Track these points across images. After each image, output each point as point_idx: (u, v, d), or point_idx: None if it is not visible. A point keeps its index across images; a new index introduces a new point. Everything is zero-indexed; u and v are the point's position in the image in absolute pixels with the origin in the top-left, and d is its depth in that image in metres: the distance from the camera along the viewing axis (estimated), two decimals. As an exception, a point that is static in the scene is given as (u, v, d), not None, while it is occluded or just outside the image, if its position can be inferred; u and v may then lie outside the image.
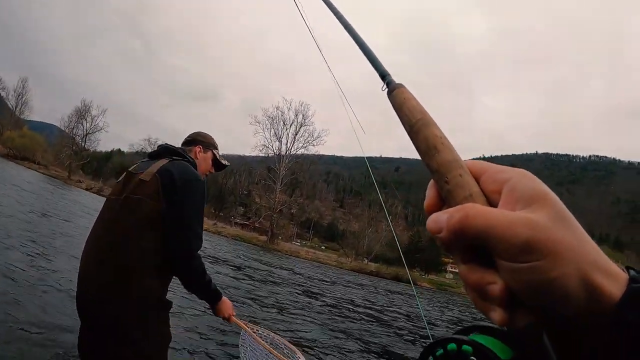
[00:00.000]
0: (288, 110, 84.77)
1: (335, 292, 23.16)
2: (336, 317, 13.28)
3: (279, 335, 3.82)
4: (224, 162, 3.70)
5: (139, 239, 2.67)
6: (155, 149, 3.21)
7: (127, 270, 2.63)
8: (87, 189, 66.89)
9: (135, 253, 2.65)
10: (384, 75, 0.70)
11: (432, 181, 0.57)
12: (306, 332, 10.24)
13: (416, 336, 13.52)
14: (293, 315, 11.88)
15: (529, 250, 0.42)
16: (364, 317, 15.16)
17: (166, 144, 3.24)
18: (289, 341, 3.77)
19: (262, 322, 8.77)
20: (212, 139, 3.65)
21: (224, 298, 3.20)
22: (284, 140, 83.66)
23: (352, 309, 16.64)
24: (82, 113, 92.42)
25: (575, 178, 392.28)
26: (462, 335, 0.52)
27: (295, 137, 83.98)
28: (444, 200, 0.55)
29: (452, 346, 0.49)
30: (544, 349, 0.44)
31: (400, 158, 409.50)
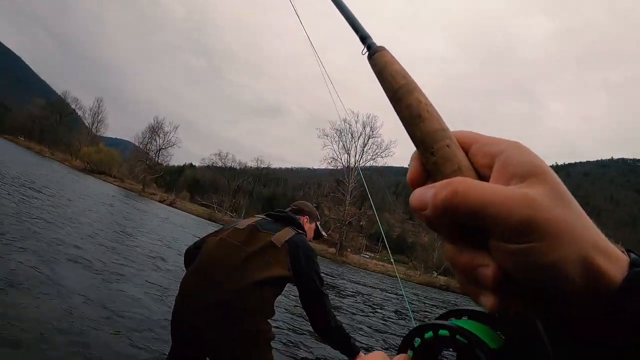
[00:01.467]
0: (355, 123, 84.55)
1: (400, 304, 22.82)
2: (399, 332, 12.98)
3: None
4: (323, 233, 4.16)
5: (262, 293, 3.11)
6: (277, 212, 3.69)
7: (248, 319, 3.06)
8: (160, 201, 68.48)
9: (258, 306, 3.12)
10: (364, 38, 0.64)
11: (416, 152, 0.52)
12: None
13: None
14: (358, 325, 11.83)
15: (526, 230, 0.38)
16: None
17: (288, 212, 3.72)
18: None
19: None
20: (316, 210, 4.08)
21: (362, 352, 3.41)
22: (352, 153, 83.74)
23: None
24: (155, 129, 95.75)
25: None
26: (446, 321, 0.49)
27: (363, 149, 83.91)
28: (430, 174, 0.50)
29: (443, 332, 0.46)
30: (538, 336, 0.42)
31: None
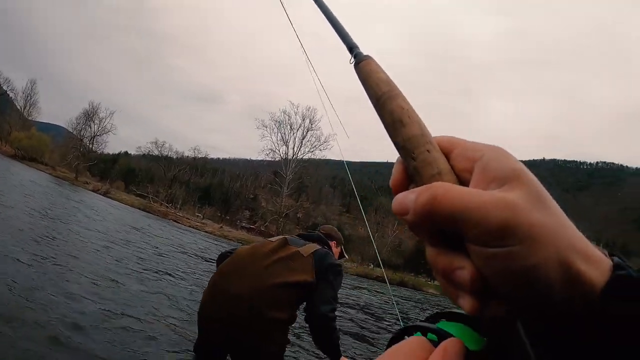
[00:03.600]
0: (295, 115, 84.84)
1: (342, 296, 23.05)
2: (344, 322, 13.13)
3: None
4: (346, 255, 4.70)
5: (287, 294, 3.48)
6: (308, 233, 4.20)
7: (271, 312, 3.39)
8: (93, 190, 66.81)
9: (280, 303, 3.45)
10: (351, 48, 0.66)
11: (398, 157, 0.53)
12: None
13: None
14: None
15: (504, 234, 0.38)
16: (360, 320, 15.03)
17: (319, 234, 4.21)
18: None
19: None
20: (340, 235, 4.54)
21: (344, 357, 3.73)
22: (290, 145, 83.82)
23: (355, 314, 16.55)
24: (90, 115, 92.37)
25: (582, 185, 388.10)
26: (430, 322, 0.49)
27: (302, 142, 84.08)
28: (411, 178, 0.51)
29: (418, 335, 0.47)
30: (518, 338, 0.42)
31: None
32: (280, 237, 3.84)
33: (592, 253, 0.41)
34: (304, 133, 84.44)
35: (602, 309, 0.38)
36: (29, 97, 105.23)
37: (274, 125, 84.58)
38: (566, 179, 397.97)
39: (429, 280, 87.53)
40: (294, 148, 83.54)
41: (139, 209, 63.00)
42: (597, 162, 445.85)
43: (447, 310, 0.51)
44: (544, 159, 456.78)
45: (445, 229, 0.42)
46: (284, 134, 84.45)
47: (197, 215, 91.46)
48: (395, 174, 0.53)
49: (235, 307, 3.37)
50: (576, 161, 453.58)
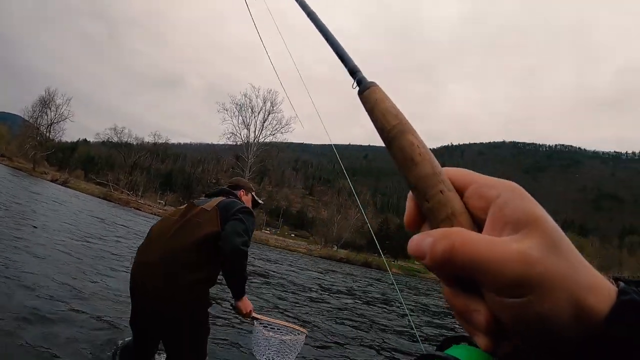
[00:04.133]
0: (256, 98, 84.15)
1: (307, 279, 23.17)
2: (314, 305, 13.30)
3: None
4: (260, 200, 4.80)
5: (198, 252, 3.65)
6: (214, 190, 4.37)
7: (187, 275, 3.60)
8: (52, 181, 65.66)
9: (194, 263, 3.64)
10: (353, 72, 0.64)
11: (410, 194, 0.53)
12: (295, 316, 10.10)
13: (394, 321, 13.57)
14: (271, 302, 11.85)
15: (519, 286, 0.39)
16: (336, 302, 15.13)
17: (222, 188, 4.39)
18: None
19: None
20: (250, 184, 4.71)
21: (246, 297, 3.97)
22: (252, 128, 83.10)
23: (322, 294, 16.65)
24: (46, 102, 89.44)
25: (541, 166, 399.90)
26: (453, 345, 0.51)
27: (263, 125, 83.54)
28: (425, 216, 0.51)
29: None
30: None
31: (369, 146, 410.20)
32: (190, 201, 4.15)
33: (600, 285, 0.41)
34: (265, 116, 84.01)
35: (605, 334, 0.39)
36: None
37: (234, 109, 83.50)
38: (526, 161, 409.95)
39: (392, 260, 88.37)
40: (255, 131, 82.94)
41: (100, 197, 62.23)
42: (556, 145, 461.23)
43: (460, 334, 0.51)
44: (504, 142, 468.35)
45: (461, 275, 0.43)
46: (245, 117, 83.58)
47: (159, 202, 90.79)
48: (409, 212, 0.53)
49: (153, 278, 3.58)
50: (536, 144, 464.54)
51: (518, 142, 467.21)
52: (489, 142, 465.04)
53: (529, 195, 0.44)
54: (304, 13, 0.89)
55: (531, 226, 0.41)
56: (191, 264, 3.61)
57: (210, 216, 3.77)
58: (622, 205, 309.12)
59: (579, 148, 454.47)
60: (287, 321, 4.43)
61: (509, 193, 0.44)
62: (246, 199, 4.45)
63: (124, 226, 25.65)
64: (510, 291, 0.39)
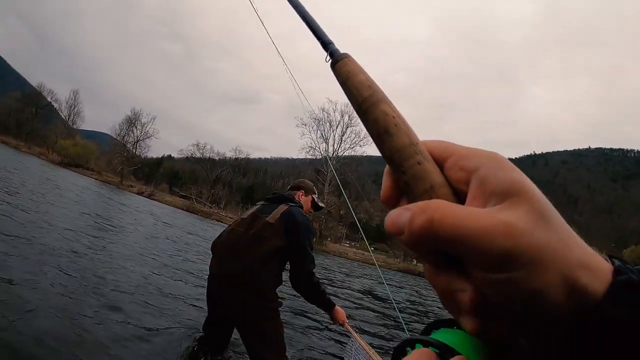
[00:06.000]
0: (334, 112, 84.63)
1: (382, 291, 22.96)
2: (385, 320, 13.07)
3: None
4: (321, 204, 4.87)
5: (265, 264, 3.96)
6: (273, 194, 4.49)
7: (259, 287, 3.96)
8: (138, 193, 67.78)
9: (260, 274, 3.94)
10: (326, 44, 0.60)
11: (387, 168, 0.50)
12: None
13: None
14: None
15: (506, 261, 0.36)
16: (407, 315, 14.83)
17: (280, 192, 4.51)
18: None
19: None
20: (312, 185, 4.83)
21: (338, 307, 4.28)
22: (330, 142, 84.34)
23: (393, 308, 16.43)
24: (132, 121, 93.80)
25: (630, 173, 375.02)
26: (434, 329, 0.49)
27: (342, 138, 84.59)
28: (403, 191, 0.48)
29: (418, 346, 0.46)
30: (521, 353, 0.41)
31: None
32: (252, 210, 4.35)
33: (594, 262, 0.39)
34: (344, 130, 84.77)
35: (601, 315, 0.36)
36: (72, 107, 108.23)
37: (313, 123, 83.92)
38: (613, 168, 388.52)
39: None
40: (334, 145, 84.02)
41: (183, 209, 63.90)
42: None
43: (448, 318, 0.49)
44: (589, 148, 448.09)
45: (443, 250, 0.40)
46: (324, 131, 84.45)
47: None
48: (385, 187, 0.50)
49: (229, 285, 4.01)
50: (623, 149, 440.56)
51: (604, 148, 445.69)
52: (573, 150, 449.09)
53: (511, 163, 0.42)
54: None
55: (517, 196, 0.39)
56: (259, 281, 3.96)
57: (275, 230, 4.00)
58: None
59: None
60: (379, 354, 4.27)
61: (491, 162, 0.42)
62: (305, 200, 4.62)
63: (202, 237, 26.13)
64: (496, 266, 0.37)
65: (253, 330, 4.01)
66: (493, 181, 0.40)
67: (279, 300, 4.22)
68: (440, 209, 0.39)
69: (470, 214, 0.38)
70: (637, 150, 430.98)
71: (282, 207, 4.16)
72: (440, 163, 0.47)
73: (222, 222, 57.88)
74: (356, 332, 4.40)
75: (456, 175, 0.45)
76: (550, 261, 0.37)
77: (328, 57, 0.58)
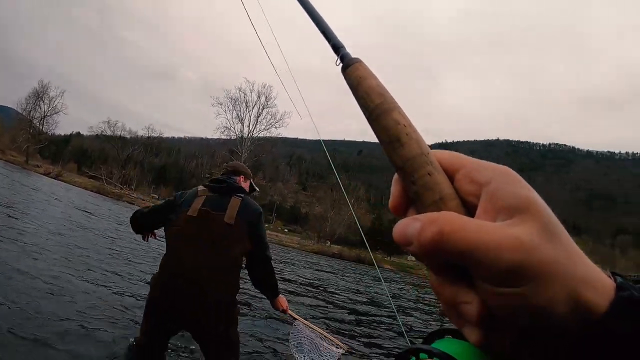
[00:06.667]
0: (250, 92, 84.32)
1: (302, 273, 23.12)
2: (304, 297, 13.20)
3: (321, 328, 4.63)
4: (256, 188, 4.77)
5: (230, 272, 3.81)
6: (214, 181, 4.15)
7: (228, 298, 3.86)
8: (45, 174, 65.29)
9: (225, 284, 3.80)
10: (337, 48, 0.59)
11: (395, 176, 0.50)
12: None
13: (384, 319, 13.52)
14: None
15: (516, 274, 0.37)
16: (329, 298, 15.11)
17: (226, 179, 4.15)
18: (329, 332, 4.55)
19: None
20: (249, 169, 4.59)
21: (281, 295, 4.29)
22: (246, 122, 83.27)
23: (317, 290, 16.60)
24: (39, 95, 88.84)
25: (535, 165, 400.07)
26: (437, 339, 0.48)
27: (257, 119, 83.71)
28: (412, 201, 0.48)
29: (423, 356, 0.46)
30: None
31: (363, 142, 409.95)
32: (198, 204, 3.91)
33: (598, 278, 0.40)
34: (260, 111, 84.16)
35: (605, 330, 0.37)
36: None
37: (229, 103, 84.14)
38: (520, 159, 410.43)
39: (385, 256, 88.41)
40: (249, 126, 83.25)
41: (93, 191, 62.01)
42: (550, 144, 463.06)
43: (448, 327, 0.50)
44: (498, 139, 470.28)
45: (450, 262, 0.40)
46: (240, 111, 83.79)
47: (153, 196, 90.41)
48: (394, 196, 0.50)
49: (188, 293, 3.67)
50: (530, 142, 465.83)
51: (512, 140, 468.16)
52: (484, 140, 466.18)
53: (523, 179, 0.42)
54: None
55: (527, 211, 0.39)
56: (225, 283, 3.80)
57: (238, 233, 3.82)
58: (614, 205, 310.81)
59: (573, 147, 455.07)
60: (329, 332, 4.60)
61: (502, 177, 0.42)
62: (245, 186, 4.41)
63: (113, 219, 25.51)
64: (505, 280, 0.37)
65: (217, 341, 3.88)
66: (503, 196, 0.41)
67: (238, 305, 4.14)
68: (451, 222, 0.39)
69: (480, 228, 0.39)
70: (542, 144, 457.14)
71: (236, 201, 3.94)
72: (450, 174, 0.47)
73: (133, 204, 56.69)
74: (299, 317, 4.60)
75: (466, 188, 0.45)
76: (557, 276, 0.37)
77: (339, 61, 0.58)
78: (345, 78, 0.55)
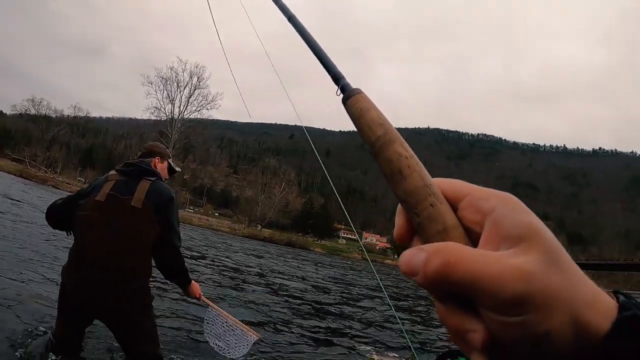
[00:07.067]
0: (183, 72, 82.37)
1: (235, 260, 23.03)
2: (238, 285, 13.15)
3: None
4: (177, 168, 4.69)
5: (140, 256, 3.76)
6: (126, 165, 4.06)
7: (138, 284, 3.80)
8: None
9: (137, 269, 3.75)
10: (337, 78, 0.62)
11: (399, 207, 0.51)
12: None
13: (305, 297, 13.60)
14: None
15: (521, 304, 0.38)
16: (262, 284, 14.99)
17: (137, 163, 4.07)
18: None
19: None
20: (166, 149, 4.55)
21: (194, 281, 4.24)
22: (177, 103, 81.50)
23: (252, 277, 16.57)
24: None
25: (463, 154, 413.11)
26: (449, 359, 0.46)
27: (189, 100, 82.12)
28: (416, 231, 0.49)
29: None
30: None
31: (295, 125, 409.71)
32: (107, 189, 3.82)
33: (599, 299, 0.40)
34: (191, 91, 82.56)
35: (607, 350, 0.38)
36: None
37: (160, 82, 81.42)
38: (449, 148, 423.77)
39: (316, 239, 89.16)
40: (180, 107, 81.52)
41: (16, 175, 59.96)
42: (478, 134, 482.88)
43: (456, 349, 0.46)
44: (428, 128, 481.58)
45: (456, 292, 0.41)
46: (171, 92, 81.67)
47: (79, 180, 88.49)
48: (398, 227, 0.51)
49: (99, 291, 3.63)
50: (459, 132, 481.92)
51: (442, 129, 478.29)
52: (414, 128, 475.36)
53: (525, 206, 0.43)
54: (284, 17, 0.88)
55: (530, 240, 0.40)
56: (136, 268, 3.75)
57: (145, 216, 3.74)
58: (537, 193, 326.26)
59: (500, 138, 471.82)
60: (240, 320, 4.66)
61: (505, 205, 0.43)
62: (161, 167, 4.34)
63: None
64: (510, 309, 0.38)
65: (132, 327, 3.84)
66: (507, 224, 0.41)
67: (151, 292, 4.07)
68: (455, 252, 0.40)
69: (485, 258, 0.39)
70: (471, 134, 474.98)
71: (144, 185, 3.83)
72: (453, 203, 0.48)
73: (58, 188, 55.26)
74: (212, 302, 4.61)
75: (470, 217, 0.45)
76: (561, 304, 0.38)
77: (339, 92, 0.59)
78: (347, 109, 0.57)
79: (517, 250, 0.40)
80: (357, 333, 9.93)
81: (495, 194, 0.45)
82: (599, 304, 0.40)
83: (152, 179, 3.93)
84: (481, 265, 0.39)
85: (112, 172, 4.04)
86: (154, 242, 3.79)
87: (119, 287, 3.65)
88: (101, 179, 4.00)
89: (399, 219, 0.51)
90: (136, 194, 3.76)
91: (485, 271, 0.38)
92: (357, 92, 0.57)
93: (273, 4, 0.95)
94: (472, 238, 0.45)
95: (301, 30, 0.76)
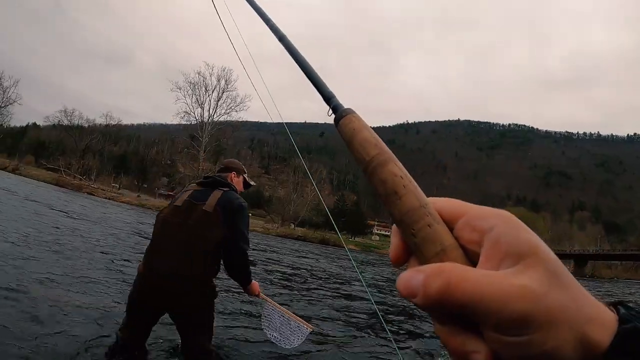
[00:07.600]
0: (210, 76, 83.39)
1: (278, 259, 23.08)
2: (279, 283, 13.16)
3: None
4: (252, 182, 5.06)
5: (206, 257, 4.00)
6: (205, 178, 4.47)
7: (204, 282, 4.07)
8: (1, 168, 63.94)
9: (206, 267, 4.02)
10: (328, 99, 0.62)
11: (394, 227, 0.50)
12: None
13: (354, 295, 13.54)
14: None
15: (523, 323, 0.37)
16: (303, 281, 15.20)
17: (213, 176, 4.51)
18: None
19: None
20: (241, 165, 4.91)
21: (254, 280, 4.46)
22: (206, 107, 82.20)
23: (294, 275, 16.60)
24: None
25: (495, 144, 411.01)
26: None
27: (217, 103, 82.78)
28: (412, 250, 0.48)
29: None
30: None
31: (325, 123, 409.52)
32: (185, 196, 4.24)
33: (600, 314, 0.40)
34: (220, 94, 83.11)
35: None
36: None
37: (188, 87, 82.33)
38: (480, 139, 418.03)
39: (349, 237, 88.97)
40: (209, 110, 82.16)
41: (52, 183, 60.87)
42: (510, 124, 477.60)
43: None
44: (459, 120, 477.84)
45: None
46: (199, 96, 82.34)
47: (114, 186, 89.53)
48: (394, 247, 0.50)
49: (169, 280, 3.93)
50: (490, 122, 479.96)
51: (473, 121, 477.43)
52: (445, 121, 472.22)
53: (524, 224, 0.43)
54: (275, 37, 0.88)
55: (530, 258, 0.40)
56: (205, 266, 4.02)
57: (215, 219, 4.02)
58: (571, 182, 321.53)
59: (532, 127, 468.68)
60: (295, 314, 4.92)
61: (504, 223, 0.42)
62: (237, 181, 4.70)
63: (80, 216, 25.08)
64: (513, 329, 0.38)
65: (195, 323, 4.15)
66: (506, 242, 0.41)
67: (216, 290, 4.35)
68: (455, 273, 0.40)
69: (486, 278, 0.39)
70: (501, 124, 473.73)
71: (217, 193, 4.21)
72: (450, 223, 0.47)
73: (93, 194, 55.95)
74: (270, 299, 4.87)
75: (468, 236, 0.45)
76: (563, 321, 0.38)
77: (331, 112, 0.59)
78: (339, 130, 0.56)
79: (519, 268, 0.39)
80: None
81: (494, 212, 0.44)
82: (600, 318, 0.40)
83: (225, 189, 4.29)
84: (483, 285, 0.38)
85: (192, 184, 4.57)
86: (223, 244, 4.07)
87: (188, 282, 3.94)
88: (183, 190, 4.48)
89: (395, 239, 0.50)
90: (209, 200, 4.11)
91: (487, 291, 0.38)
92: (349, 112, 0.56)
93: (265, 25, 0.96)
94: (470, 258, 0.45)
95: (292, 51, 0.76)
